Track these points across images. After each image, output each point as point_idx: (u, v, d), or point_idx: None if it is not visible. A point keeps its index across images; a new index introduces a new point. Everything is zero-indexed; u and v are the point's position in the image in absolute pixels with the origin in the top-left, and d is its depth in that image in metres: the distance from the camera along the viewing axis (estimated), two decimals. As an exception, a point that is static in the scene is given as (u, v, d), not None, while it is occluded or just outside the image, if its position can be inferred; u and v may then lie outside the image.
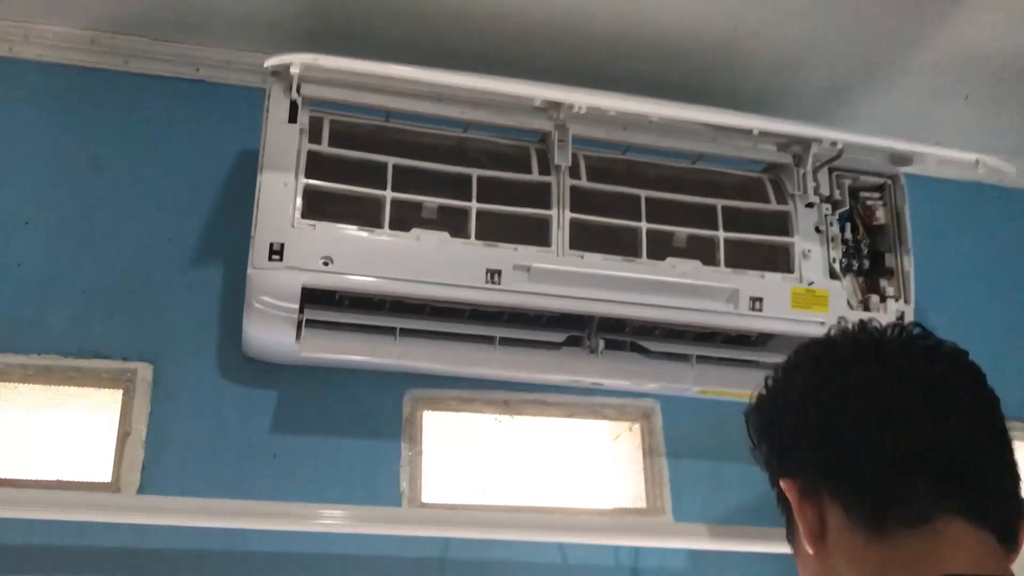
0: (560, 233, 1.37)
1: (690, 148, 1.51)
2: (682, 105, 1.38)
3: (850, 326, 0.77)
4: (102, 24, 1.51)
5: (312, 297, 1.32)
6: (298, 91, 1.32)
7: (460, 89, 1.35)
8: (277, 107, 1.32)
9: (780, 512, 0.76)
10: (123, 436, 1.38)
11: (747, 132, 1.44)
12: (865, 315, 1.48)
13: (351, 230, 1.30)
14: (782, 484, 0.72)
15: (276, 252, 1.26)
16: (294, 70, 1.21)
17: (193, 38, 1.56)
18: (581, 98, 1.34)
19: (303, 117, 1.33)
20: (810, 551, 0.70)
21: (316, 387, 1.47)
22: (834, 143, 1.46)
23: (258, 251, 1.26)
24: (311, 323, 1.32)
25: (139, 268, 1.46)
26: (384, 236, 1.30)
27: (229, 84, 1.57)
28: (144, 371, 1.42)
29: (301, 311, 1.31)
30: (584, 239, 1.38)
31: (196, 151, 1.53)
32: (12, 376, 1.38)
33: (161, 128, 1.53)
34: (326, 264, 1.28)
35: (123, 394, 1.41)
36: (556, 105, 1.39)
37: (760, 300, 1.42)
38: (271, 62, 1.20)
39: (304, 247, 1.27)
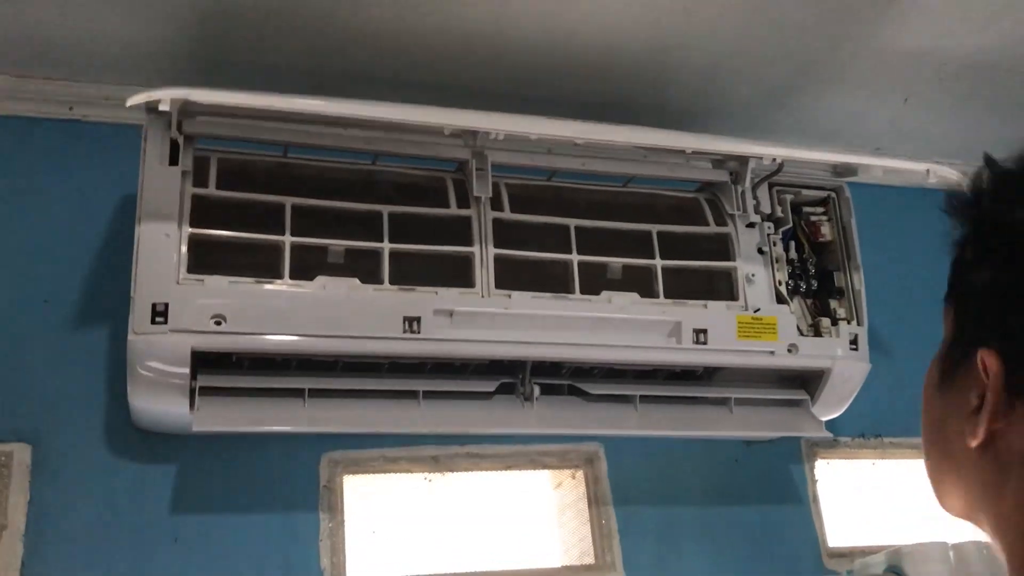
0: (484, 272, 1.24)
1: (620, 171, 1.39)
2: (609, 126, 1.26)
3: None
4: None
5: (206, 361, 1.17)
6: (179, 129, 1.17)
7: (363, 120, 1.21)
8: (155, 148, 1.17)
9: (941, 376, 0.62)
10: (-2, 530, 1.21)
11: (679, 151, 1.33)
12: (816, 340, 1.38)
13: (246, 283, 1.15)
14: (983, 355, 0.56)
15: (160, 313, 1.11)
16: (163, 107, 1.06)
17: (64, 73, 1.39)
18: (499, 123, 1.21)
19: (186, 158, 1.18)
20: (972, 443, 0.57)
21: (220, 457, 1.31)
22: (773, 159, 1.35)
23: (139, 313, 1.11)
24: (206, 390, 1.17)
25: (12, 334, 1.29)
26: (284, 287, 1.16)
27: (107, 122, 1.40)
28: (21, 453, 1.25)
29: (194, 378, 1.16)
30: (511, 276, 1.25)
31: (74, 199, 1.37)
32: None
33: (33, 175, 1.36)
34: (218, 323, 1.12)
35: (-3, 481, 1.24)
36: (472, 132, 1.26)
37: (704, 332, 1.31)
38: (134, 100, 1.05)
39: (192, 306, 1.12)
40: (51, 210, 1.35)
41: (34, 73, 1.39)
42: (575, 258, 1.28)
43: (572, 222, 1.31)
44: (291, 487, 1.33)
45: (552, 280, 1.28)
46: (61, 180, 1.37)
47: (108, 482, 1.26)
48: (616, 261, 1.30)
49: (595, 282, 1.29)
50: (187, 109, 1.18)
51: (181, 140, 1.17)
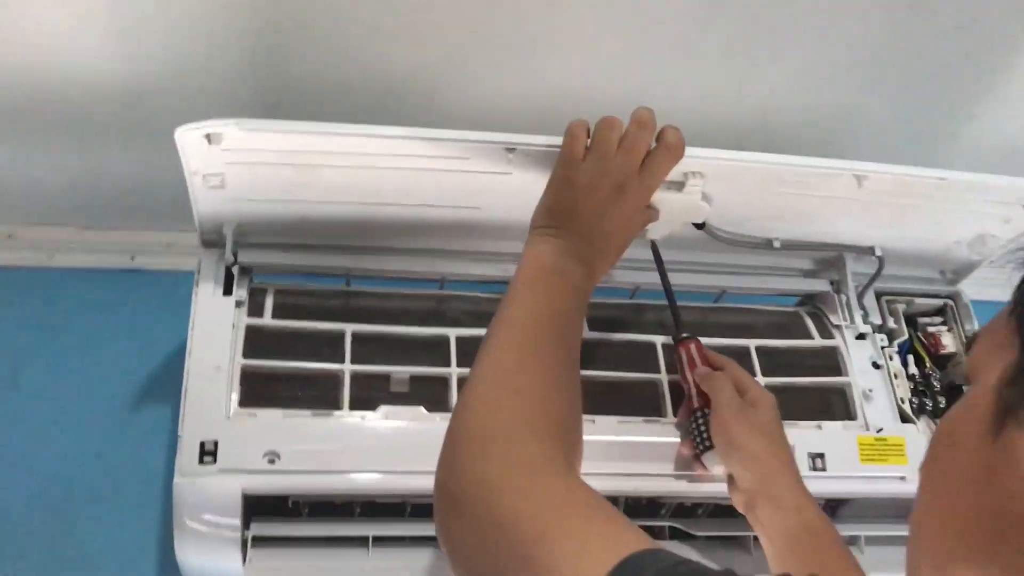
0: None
1: (709, 284, 1.28)
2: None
3: None
4: (19, 216, 1.33)
5: (260, 507, 1.05)
6: (234, 258, 1.11)
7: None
8: (208, 278, 1.11)
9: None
10: None
11: (767, 245, 1.20)
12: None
13: (302, 416, 1.04)
14: None
15: (208, 452, 1.01)
16: (209, 130, 0.95)
17: (128, 223, 1.37)
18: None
19: (240, 288, 1.11)
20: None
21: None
22: (872, 250, 1.23)
23: (186, 453, 1.01)
24: (259, 540, 1.04)
25: (61, 491, 1.20)
26: (343, 419, 1.05)
27: (169, 271, 1.36)
28: (65, 624, 1.13)
29: (246, 526, 1.04)
30: (595, 401, 1.12)
31: (131, 349, 1.31)
32: None
33: (91, 328, 1.32)
34: (272, 462, 1.01)
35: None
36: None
37: (821, 456, 1.14)
38: (181, 130, 0.93)
39: (243, 443, 1.01)
40: (106, 362, 1.29)
41: (98, 224, 1.37)
42: (664, 377, 1.15)
43: (658, 339, 1.18)
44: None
45: (640, 403, 1.14)
46: (118, 331, 1.32)
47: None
48: (712, 378, 1.16)
49: (690, 404, 1.15)
50: (242, 240, 1.13)
51: (236, 270, 1.11)
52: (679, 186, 1.06)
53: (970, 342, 0.59)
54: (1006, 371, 0.50)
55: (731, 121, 1.35)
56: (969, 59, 1.31)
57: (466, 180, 1.05)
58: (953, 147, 1.45)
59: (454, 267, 1.20)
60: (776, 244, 1.22)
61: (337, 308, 1.17)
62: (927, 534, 0.48)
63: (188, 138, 0.94)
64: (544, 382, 0.73)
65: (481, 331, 1.12)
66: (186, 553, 1.06)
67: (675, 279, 1.27)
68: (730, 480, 1.02)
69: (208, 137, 0.94)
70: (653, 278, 1.21)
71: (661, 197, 1.05)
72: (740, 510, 1.01)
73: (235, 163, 1.00)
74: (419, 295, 1.21)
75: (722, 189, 1.08)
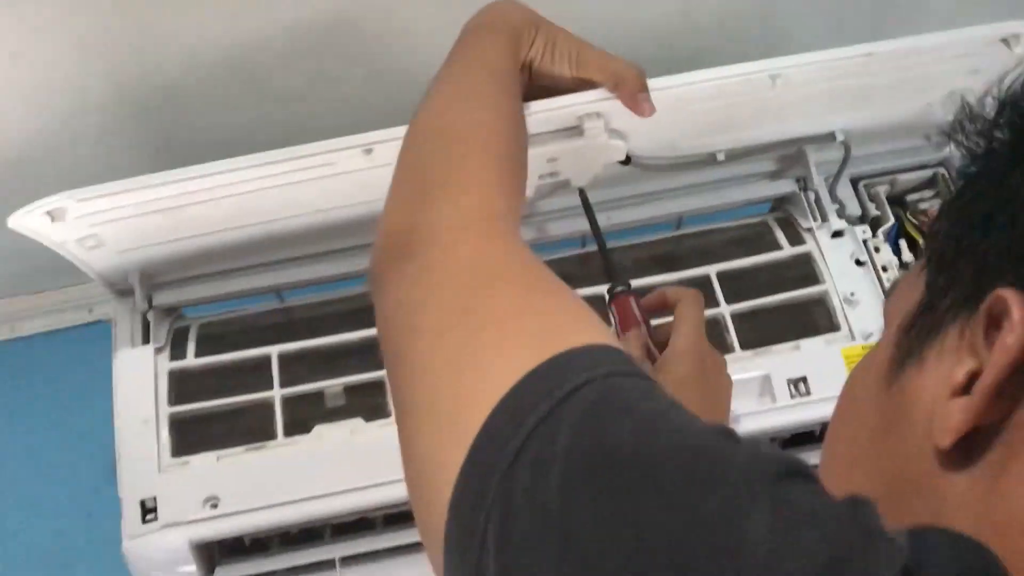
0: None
1: (666, 212, 1.16)
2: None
3: None
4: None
5: (226, 549, 1.04)
6: (148, 304, 1.08)
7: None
8: (125, 331, 1.08)
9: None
10: None
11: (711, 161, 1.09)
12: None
13: (236, 454, 1.01)
14: (1005, 296, 0.38)
15: (149, 510, 0.99)
16: (38, 215, 0.91)
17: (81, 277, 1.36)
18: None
19: (159, 332, 1.08)
20: (945, 440, 0.38)
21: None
22: (832, 136, 1.10)
23: (129, 515, 0.99)
24: (226, 584, 1.03)
25: (57, 563, 1.22)
26: (277, 449, 1.01)
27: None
28: None
29: (211, 572, 1.02)
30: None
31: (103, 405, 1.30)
32: None
33: (60, 391, 1.32)
34: (214, 506, 0.99)
35: None
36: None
37: (803, 380, 1.04)
38: (15, 221, 0.90)
39: (181, 493, 0.99)
40: (81, 423, 1.29)
41: (59, 283, 1.37)
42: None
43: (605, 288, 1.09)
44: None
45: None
46: (88, 389, 1.31)
47: None
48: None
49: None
50: (152, 281, 1.09)
51: (152, 315, 1.08)
52: (578, 132, 0.97)
53: (892, 288, 0.54)
54: (906, 317, 0.44)
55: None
56: None
57: (343, 180, 0.98)
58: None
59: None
60: (720, 157, 1.10)
61: (274, 327, 1.13)
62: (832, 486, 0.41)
63: (28, 222, 0.90)
64: (488, 124, 0.69)
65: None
66: (159, 612, 1.05)
67: (629, 215, 1.17)
68: None
69: (51, 215, 0.91)
70: (604, 222, 1.12)
71: (564, 148, 0.96)
72: None
73: (100, 223, 0.96)
74: (353, 296, 1.15)
75: (633, 123, 0.97)
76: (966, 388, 0.38)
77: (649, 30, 1.30)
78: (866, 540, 0.34)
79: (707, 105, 1.02)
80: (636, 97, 0.89)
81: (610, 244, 1.14)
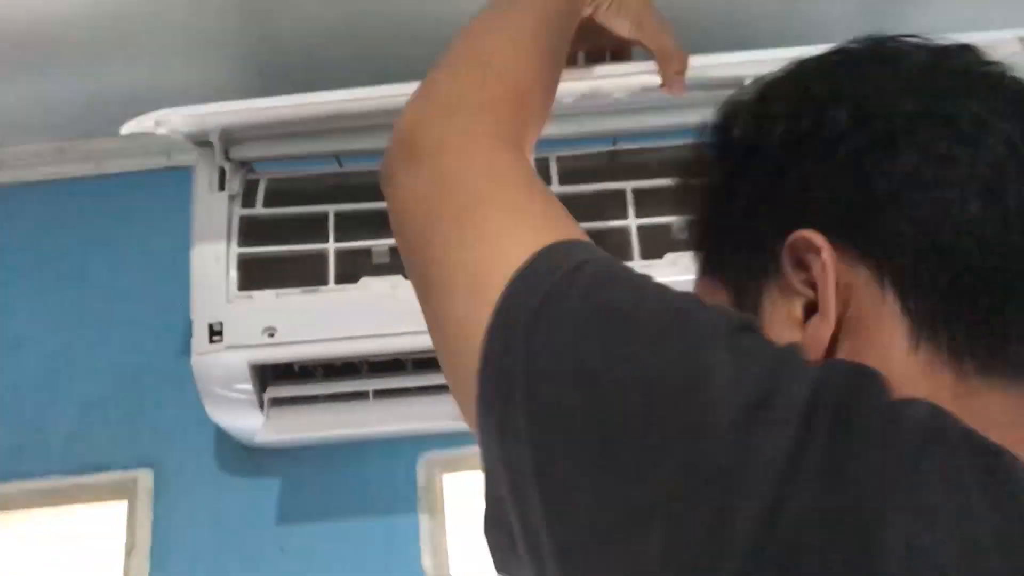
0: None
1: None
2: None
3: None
4: (68, 132, 1.49)
5: (278, 373, 1.21)
6: (225, 156, 1.23)
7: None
8: (204, 177, 1.23)
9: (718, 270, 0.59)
10: (129, 551, 1.31)
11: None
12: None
13: (292, 294, 1.17)
14: (803, 236, 0.51)
15: (216, 333, 1.16)
16: (161, 130, 1.10)
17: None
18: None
19: (233, 182, 1.22)
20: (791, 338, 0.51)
21: (321, 467, 1.34)
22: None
23: (198, 335, 1.16)
24: (276, 402, 1.20)
25: (131, 371, 1.41)
26: (329, 294, 1.17)
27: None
28: (144, 479, 1.35)
29: (263, 390, 1.20)
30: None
31: (176, 242, 1.46)
32: (17, 503, 1.35)
33: (140, 225, 1.49)
34: (271, 336, 1.16)
35: (127, 506, 1.34)
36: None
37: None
38: (127, 128, 1.09)
39: (244, 322, 1.16)
40: (157, 255, 1.45)
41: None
42: (632, 223, 1.20)
43: (629, 184, 1.22)
44: (390, 492, 1.33)
45: (609, 251, 1.19)
46: (164, 226, 1.46)
47: (220, 499, 1.33)
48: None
49: (657, 246, 1.19)
50: (231, 136, 1.23)
51: (228, 167, 1.23)
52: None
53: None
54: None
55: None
56: None
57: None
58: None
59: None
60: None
61: (332, 188, 1.27)
62: None
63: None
64: (522, 59, 0.74)
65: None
66: (217, 415, 1.24)
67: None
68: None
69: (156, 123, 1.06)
70: (632, 123, 1.24)
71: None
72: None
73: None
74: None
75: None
76: (806, 318, 0.51)
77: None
78: (794, 367, 0.46)
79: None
80: (675, 78, 0.99)
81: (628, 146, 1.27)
